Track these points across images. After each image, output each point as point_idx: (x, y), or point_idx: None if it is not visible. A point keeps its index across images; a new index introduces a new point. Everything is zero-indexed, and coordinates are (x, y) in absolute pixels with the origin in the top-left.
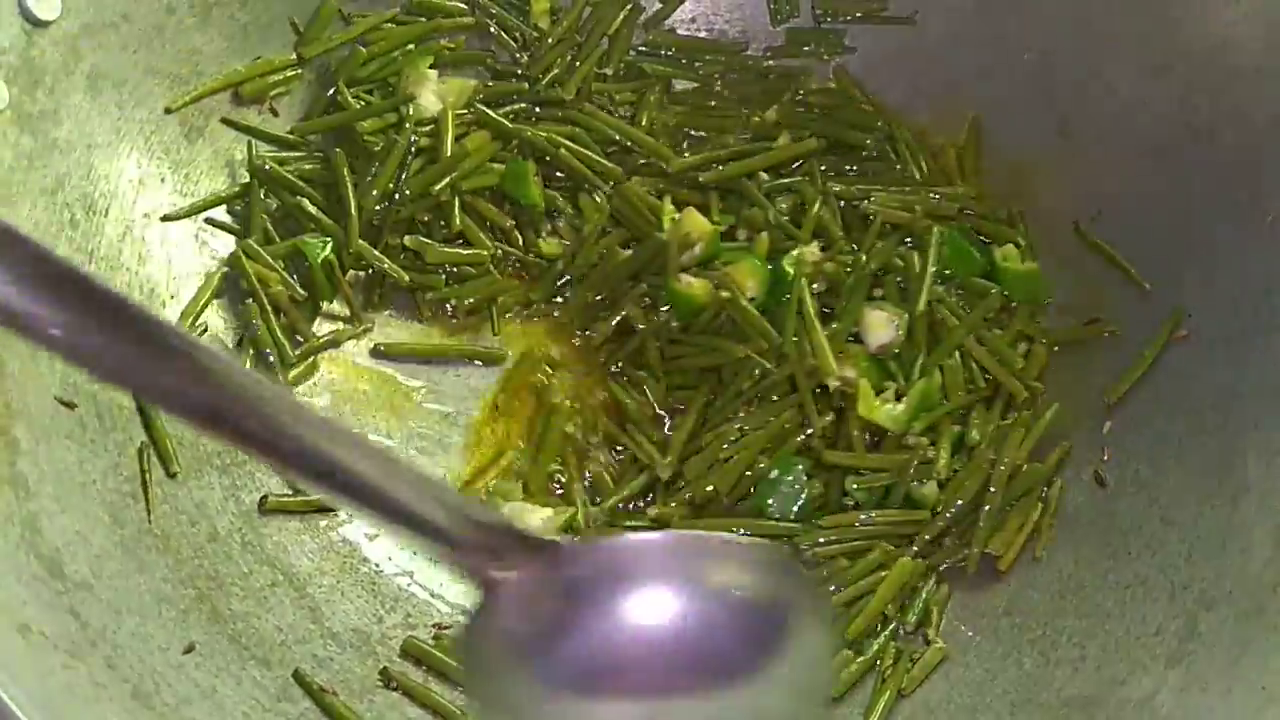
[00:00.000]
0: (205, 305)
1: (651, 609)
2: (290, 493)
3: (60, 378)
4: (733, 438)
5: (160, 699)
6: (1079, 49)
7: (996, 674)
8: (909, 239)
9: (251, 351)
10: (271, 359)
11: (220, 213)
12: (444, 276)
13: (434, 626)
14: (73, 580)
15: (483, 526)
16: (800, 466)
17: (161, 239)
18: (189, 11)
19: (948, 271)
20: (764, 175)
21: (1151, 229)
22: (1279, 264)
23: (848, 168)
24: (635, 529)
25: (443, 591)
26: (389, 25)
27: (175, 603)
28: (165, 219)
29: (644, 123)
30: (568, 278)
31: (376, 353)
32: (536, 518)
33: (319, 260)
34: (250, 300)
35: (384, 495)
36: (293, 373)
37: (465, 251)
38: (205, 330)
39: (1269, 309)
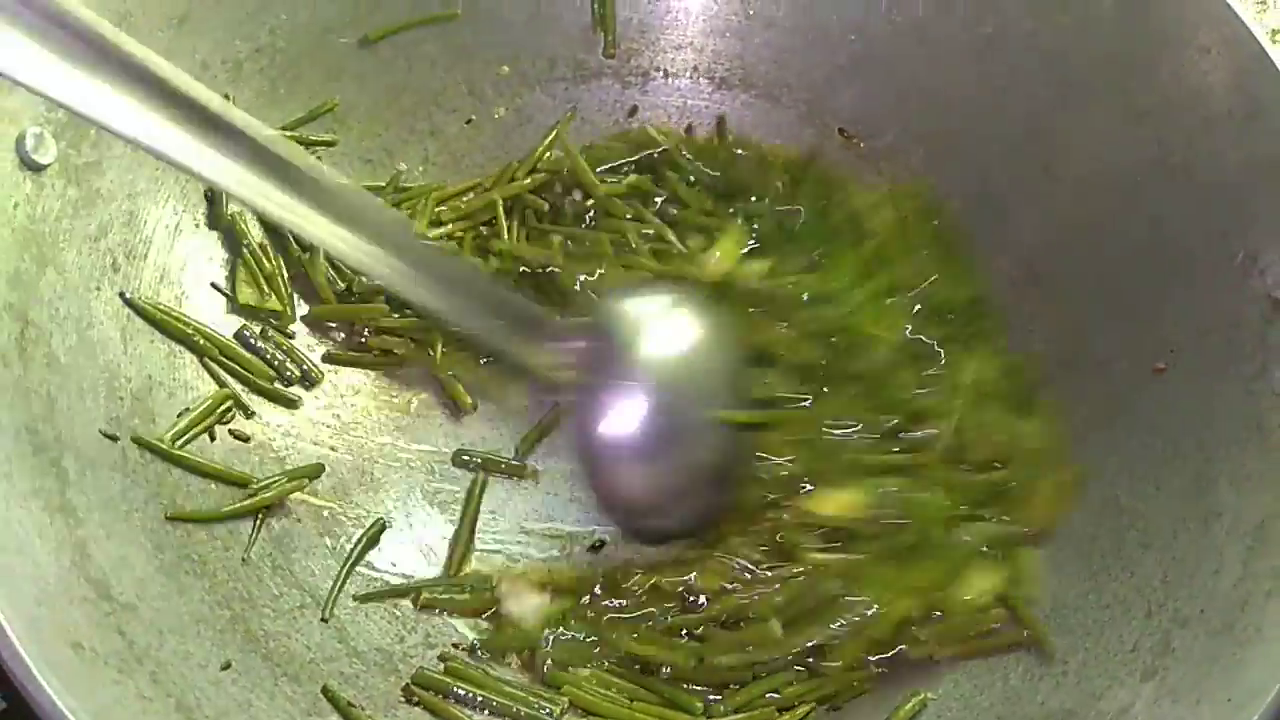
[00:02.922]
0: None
1: None
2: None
3: (104, 412)
4: None
5: (202, 712)
6: (1061, 96)
7: (984, 688)
8: None
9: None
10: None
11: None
12: None
13: (452, 645)
14: (119, 601)
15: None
16: None
17: (195, 282)
18: (221, 68)
19: None
20: None
21: (1131, 264)
22: (1246, 301)
23: None
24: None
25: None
26: None
27: (212, 623)
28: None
29: None
30: None
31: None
32: (532, 600)
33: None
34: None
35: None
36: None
37: None
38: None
39: (1238, 342)
